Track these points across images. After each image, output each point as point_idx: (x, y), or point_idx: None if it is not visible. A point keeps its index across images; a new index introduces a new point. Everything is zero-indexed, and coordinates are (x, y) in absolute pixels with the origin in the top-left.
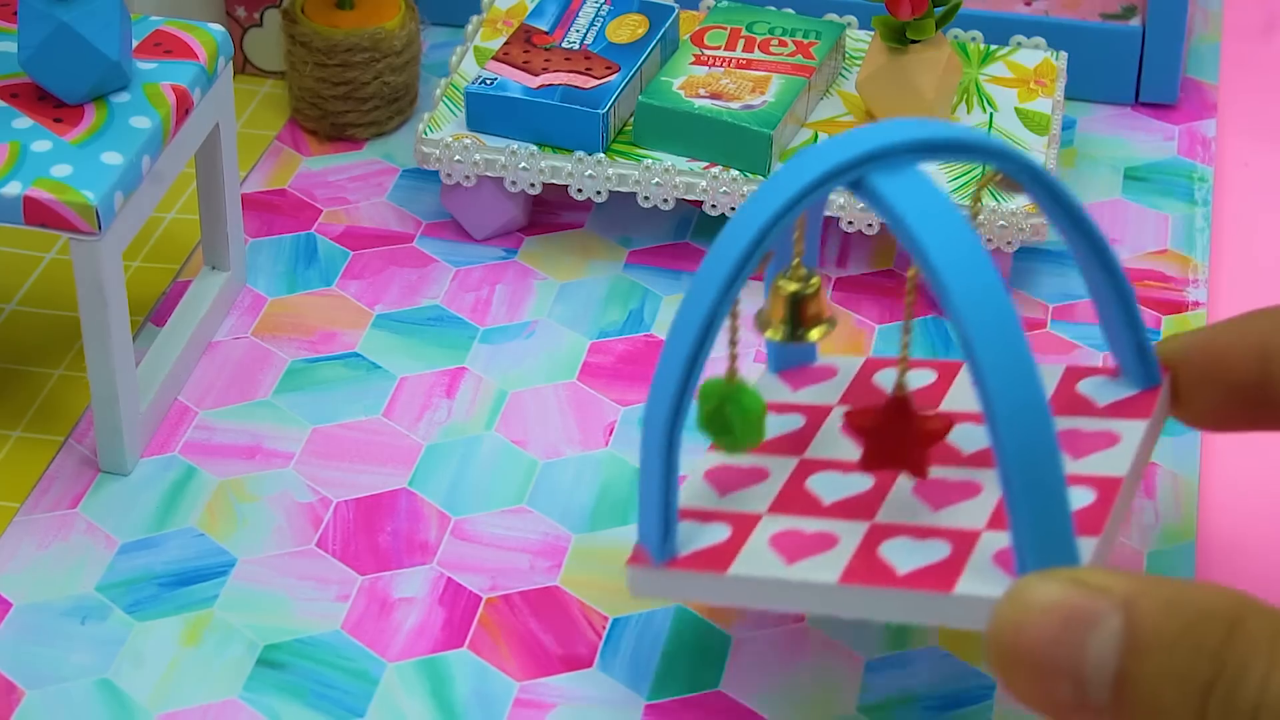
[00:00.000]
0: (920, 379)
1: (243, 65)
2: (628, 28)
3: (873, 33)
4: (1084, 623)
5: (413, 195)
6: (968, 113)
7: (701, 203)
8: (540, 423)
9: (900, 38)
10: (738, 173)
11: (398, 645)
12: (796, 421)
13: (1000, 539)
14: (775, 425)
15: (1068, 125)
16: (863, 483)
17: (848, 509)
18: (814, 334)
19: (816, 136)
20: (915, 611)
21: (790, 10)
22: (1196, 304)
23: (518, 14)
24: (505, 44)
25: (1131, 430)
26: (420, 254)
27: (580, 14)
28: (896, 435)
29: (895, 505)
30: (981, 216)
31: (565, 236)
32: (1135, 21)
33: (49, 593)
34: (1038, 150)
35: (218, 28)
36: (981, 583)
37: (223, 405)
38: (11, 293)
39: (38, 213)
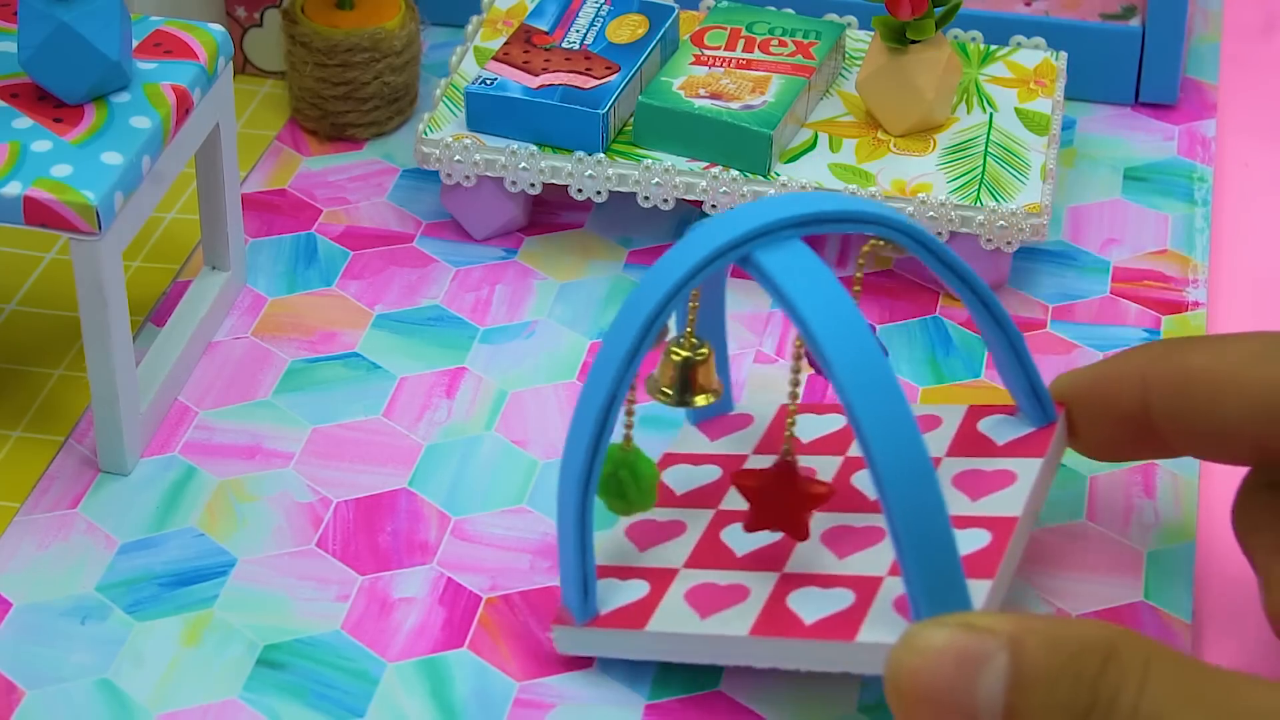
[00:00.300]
0: (827, 425)
1: (243, 65)
2: (628, 28)
3: (873, 33)
4: (973, 663)
5: (413, 195)
6: (968, 113)
7: (701, 203)
8: (540, 423)
9: (900, 38)
10: (738, 173)
11: (398, 645)
12: (713, 473)
13: (900, 585)
14: (693, 477)
15: (1067, 125)
16: (774, 534)
17: (759, 560)
18: (699, 400)
19: (816, 137)
20: (823, 660)
21: (790, 10)
22: (1196, 304)
23: (518, 14)
24: (505, 44)
25: (1027, 468)
26: (420, 254)
27: (580, 14)
28: (781, 499)
29: (803, 554)
30: (981, 217)
31: (565, 236)
32: (1135, 22)
33: (49, 593)
34: (1037, 150)
35: (218, 28)
36: (882, 630)
37: (223, 405)
38: (11, 293)
39: (38, 213)
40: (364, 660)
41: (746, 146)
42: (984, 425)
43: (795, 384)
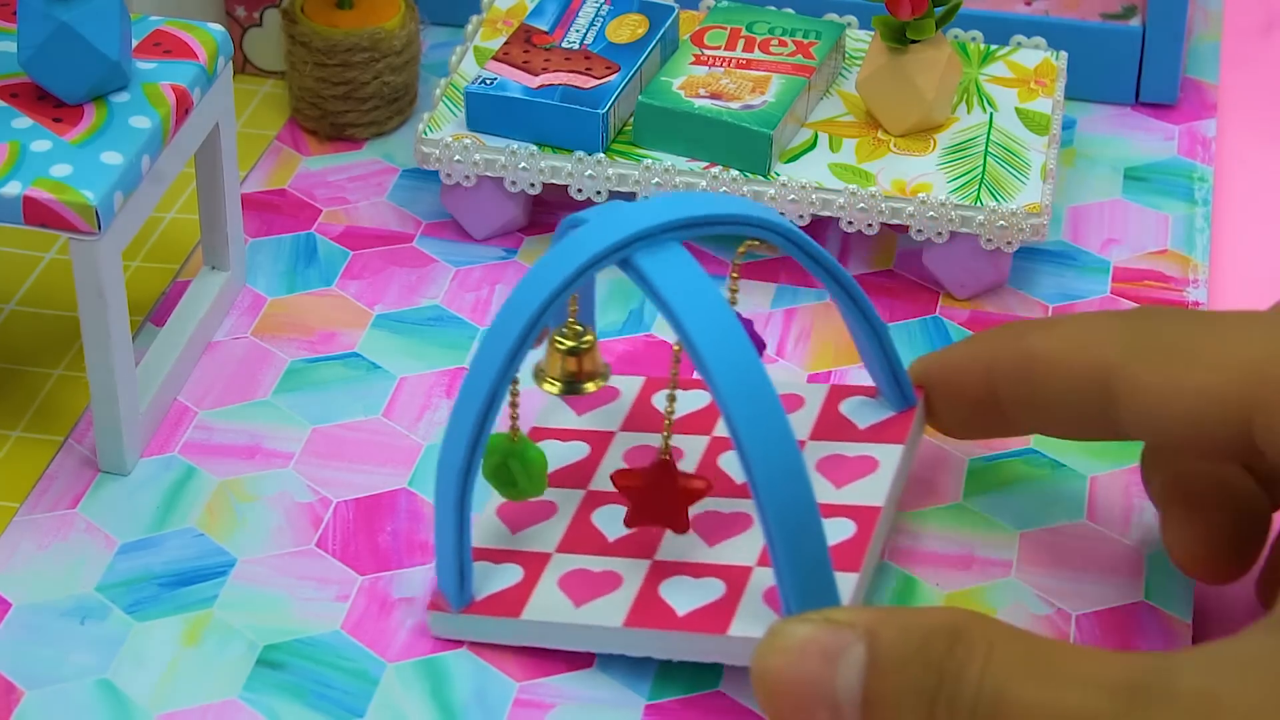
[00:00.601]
0: (695, 401)
1: (242, 65)
2: (628, 28)
3: (873, 32)
4: (833, 655)
5: (413, 195)
6: (968, 112)
7: None
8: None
9: (900, 37)
10: (738, 173)
11: (397, 645)
12: (582, 450)
13: (769, 576)
14: (562, 454)
15: (1068, 125)
16: None
17: (630, 545)
18: (590, 386)
19: (816, 137)
20: (696, 651)
21: (790, 10)
22: (1196, 304)
23: (518, 14)
24: (505, 44)
25: (889, 455)
26: (420, 254)
27: (580, 14)
28: (660, 495)
29: (673, 540)
30: (981, 217)
31: None
32: (1135, 21)
33: (48, 593)
34: (1038, 150)
35: (217, 28)
36: (753, 624)
37: (222, 405)
38: (11, 293)
39: (37, 213)
40: (364, 660)
41: (746, 146)
42: (845, 407)
43: (672, 400)
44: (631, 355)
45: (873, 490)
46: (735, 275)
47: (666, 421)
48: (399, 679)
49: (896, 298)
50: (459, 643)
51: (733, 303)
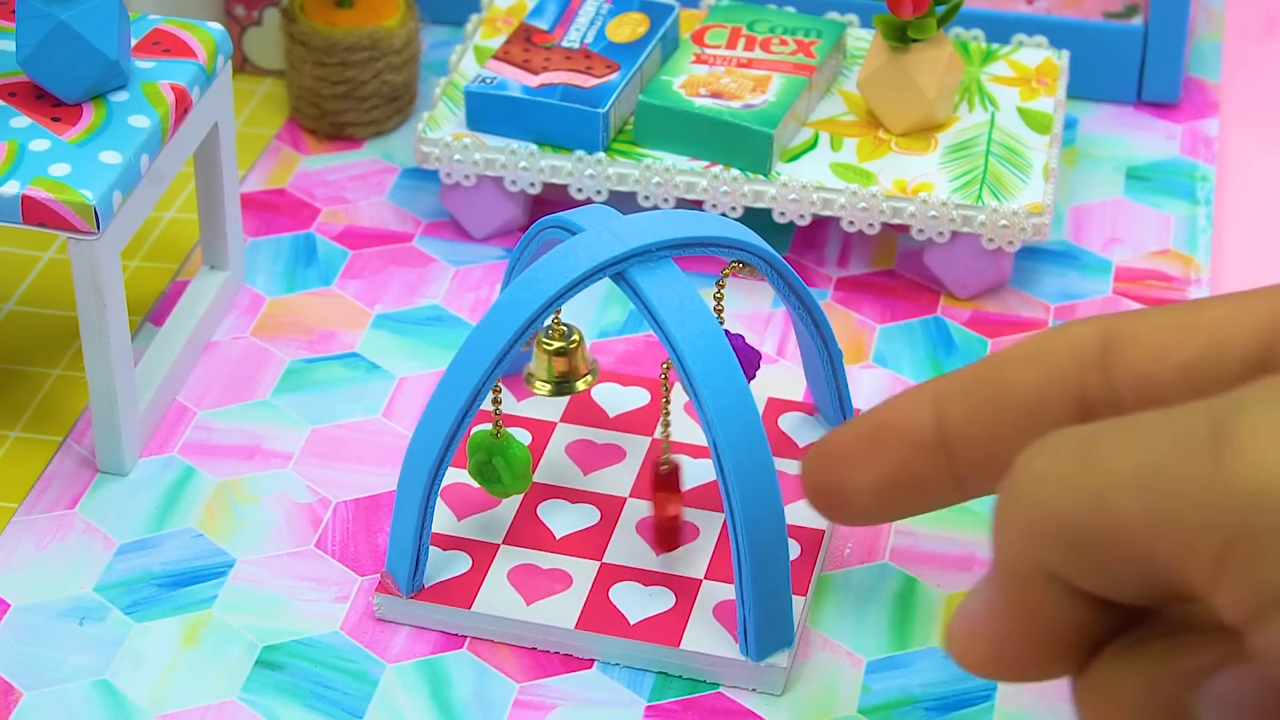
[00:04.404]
0: (635, 399)
1: (241, 64)
2: (628, 26)
3: (874, 31)
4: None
5: (412, 195)
6: (969, 111)
7: (702, 203)
8: None
9: (902, 37)
10: (738, 172)
11: (397, 646)
12: (523, 438)
13: (718, 590)
14: None
15: (1069, 124)
16: (589, 515)
17: (578, 544)
18: (580, 385)
19: (818, 136)
20: (647, 660)
21: (791, 9)
22: None
23: (518, 13)
24: (505, 43)
25: None
26: (420, 254)
27: (580, 13)
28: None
29: (621, 544)
30: (983, 216)
31: None
32: (1137, 20)
33: (47, 593)
34: (1039, 149)
35: (217, 26)
36: (705, 638)
37: (221, 405)
38: (9, 292)
39: (36, 212)
40: (363, 661)
41: (747, 146)
42: (785, 423)
43: (666, 401)
44: (632, 355)
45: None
46: (719, 295)
47: (664, 435)
48: (399, 680)
49: (898, 297)
50: (459, 643)
51: (720, 323)
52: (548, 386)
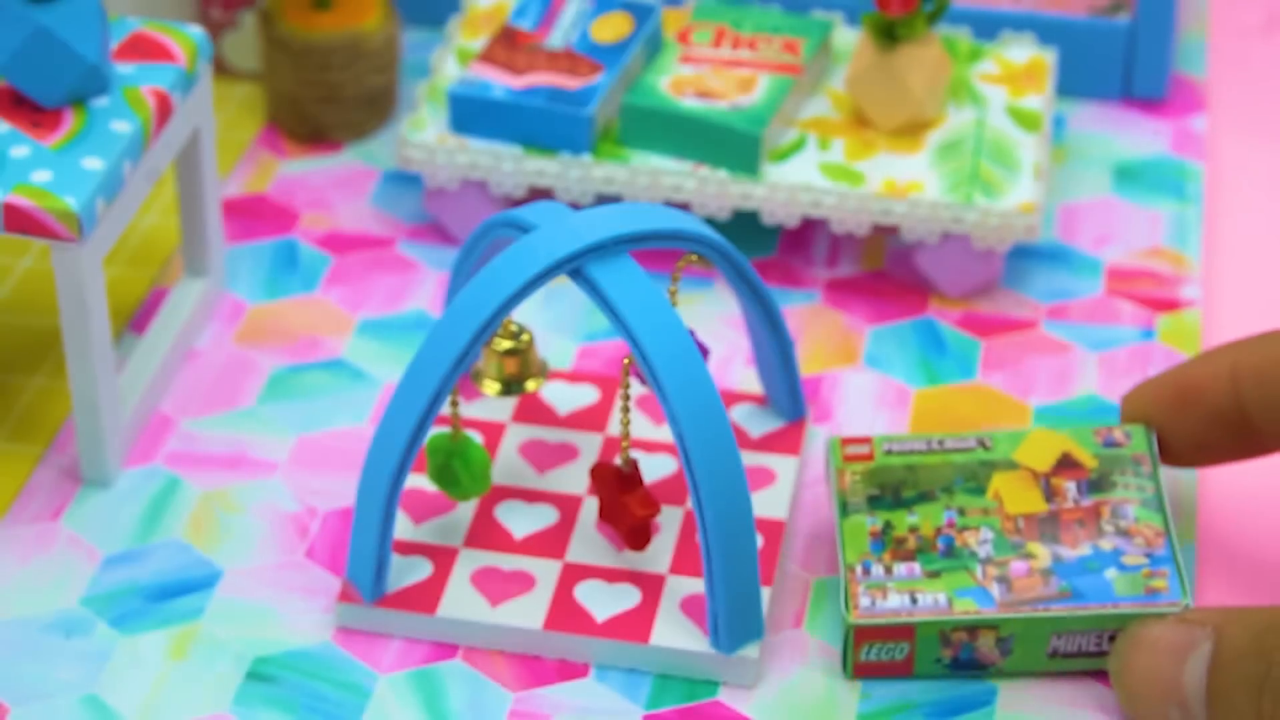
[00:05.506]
0: (584, 396)
1: (217, 68)
2: (611, 26)
3: (860, 30)
4: (1183, 653)
5: (395, 198)
6: (958, 109)
7: (690, 204)
8: None
9: (889, 35)
10: (726, 173)
11: (390, 657)
12: (475, 437)
13: (683, 584)
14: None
15: (1058, 122)
16: (548, 515)
17: (538, 544)
18: (531, 385)
19: (805, 136)
20: (615, 657)
21: (776, 8)
22: (1190, 301)
23: (498, 14)
24: (488, 44)
25: (786, 467)
26: (403, 259)
27: (563, 13)
28: (614, 502)
29: (582, 542)
30: (973, 216)
31: None
32: (1124, 17)
33: (32, 607)
34: (1029, 148)
35: (197, 29)
36: (674, 633)
37: (205, 414)
38: None
39: (18, 220)
40: (355, 673)
41: (735, 147)
42: (737, 414)
43: (626, 410)
44: (620, 359)
45: (775, 503)
46: (674, 290)
47: (624, 433)
48: (392, 691)
49: (887, 299)
50: (452, 653)
51: None
52: (497, 386)
